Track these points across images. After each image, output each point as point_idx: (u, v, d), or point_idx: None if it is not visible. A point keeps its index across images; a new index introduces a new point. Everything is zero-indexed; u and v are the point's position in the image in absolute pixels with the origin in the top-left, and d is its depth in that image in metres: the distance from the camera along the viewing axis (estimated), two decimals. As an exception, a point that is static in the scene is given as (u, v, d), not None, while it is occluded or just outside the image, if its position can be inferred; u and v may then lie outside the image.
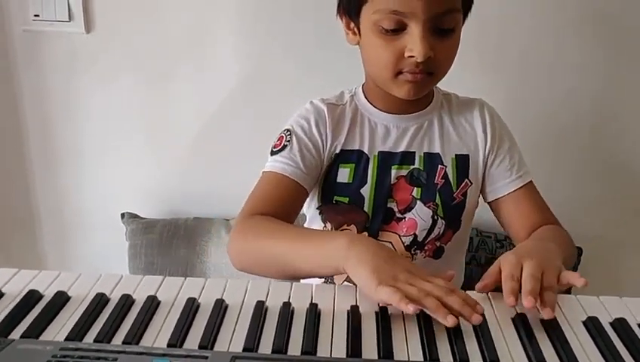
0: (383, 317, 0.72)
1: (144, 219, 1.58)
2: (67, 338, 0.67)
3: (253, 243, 0.94)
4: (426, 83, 0.99)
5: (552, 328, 0.71)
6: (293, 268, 0.88)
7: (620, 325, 0.73)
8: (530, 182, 1.10)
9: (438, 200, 1.07)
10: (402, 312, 0.73)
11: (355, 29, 1.00)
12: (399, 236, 1.08)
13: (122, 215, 1.59)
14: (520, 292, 0.76)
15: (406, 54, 0.93)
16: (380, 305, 0.75)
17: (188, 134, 1.60)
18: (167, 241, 1.52)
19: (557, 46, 1.49)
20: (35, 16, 1.45)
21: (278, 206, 1.00)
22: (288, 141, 1.05)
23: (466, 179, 1.09)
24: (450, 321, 0.69)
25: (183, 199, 1.64)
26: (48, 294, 0.76)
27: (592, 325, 0.73)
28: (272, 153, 1.06)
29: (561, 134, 1.57)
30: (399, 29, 0.92)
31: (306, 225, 1.17)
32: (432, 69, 0.96)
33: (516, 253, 0.84)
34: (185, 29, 1.50)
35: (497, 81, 1.52)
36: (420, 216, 1.07)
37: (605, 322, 0.74)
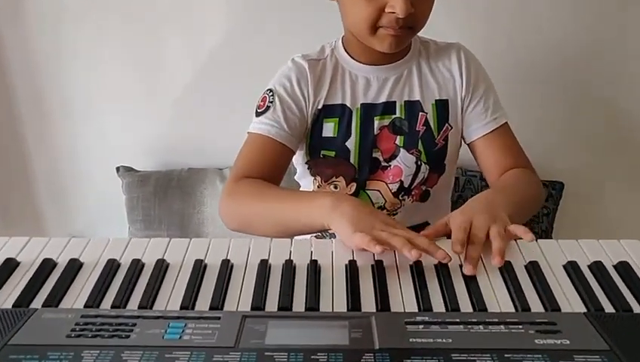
0: (379, 270, 0.77)
1: (139, 171, 1.61)
2: (86, 305, 0.71)
3: (245, 206, 0.99)
4: (407, 36, 1.02)
5: (535, 273, 0.77)
6: (284, 227, 0.95)
7: (596, 268, 0.78)
8: (505, 124, 1.13)
9: (420, 147, 1.11)
10: (396, 265, 0.79)
11: None
12: (386, 184, 1.13)
13: (117, 168, 1.61)
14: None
15: (387, 10, 0.95)
16: (355, 250, 0.81)
17: (178, 86, 1.60)
18: (163, 193, 1.55)
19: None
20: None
21: (265, 168, 1.04)
22: (271, 102, 1.07)
23: (447, 124, 1.12)
24: (413, 254, 0.75)
25: (176, 150, 1.66)
26: (61, 262, 0.80)
27: (572, 268, 0.78)
28: (257, 114, 1.08)
29: (546, 69, 1.58)
30: None
31: (296, 178, 1.22)
32: (412, 23, 0.98)
33: (462, 211, 0.88)
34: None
35: (477, 18, 1.53)
36: (404, 162, 1.11)
37: (584, 265, 0.79)
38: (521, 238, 0.84)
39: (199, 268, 0.78)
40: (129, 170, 1.61)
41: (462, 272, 0.77)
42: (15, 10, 1.49)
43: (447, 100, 1.12)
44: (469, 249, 0.80)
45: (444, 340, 0.64)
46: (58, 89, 1.60)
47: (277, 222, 0.95)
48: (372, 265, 0.79)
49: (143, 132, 1.65)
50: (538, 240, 0.85)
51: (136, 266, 0.79)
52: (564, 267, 0.79)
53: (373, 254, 0.80)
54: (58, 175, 1.71)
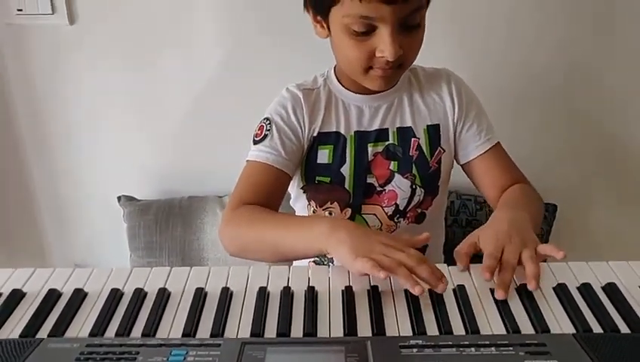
0: (374, 295, 0.79)
1: (140, 201, 1.63)
2: (90, 334, 0.74)
3: (245, 232, 1.00)
4: (396, 75, 1.05)
5: (526, 296, 0.79)
6: (282, 252, 0.96)
7: (585, 290, 0.80)
8: (498, 143, 1.16)
9: (414, 171, 1.13)
10: (391, 290, 0.81)
11: (324, 24, 1.03)
12: (382, 207, 1.15)
13: (119, 198, 1.63)
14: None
15: (377, 54, 0.97)
16: (358, 276, 0.82)
17: (176, 116, 1.62)
18: (164, 221, 1.57)
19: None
20: (19, 10, 1.46)
21: (264, 194, 1.06)
22: (268, 130, 1.09)
23: (439, 148, 1.15)
24: (417, 290, 0.76)
25: (176, 179, 1.67)
26: (66, 291, 0.82)
27: (561, 290, 0.80)
28: (255, 142, 1.10)
29: (533, 89, 1.60)
30: (369, 30, 0.95)
31: (291, 203, 1.24)
32: (401, 61, 1.00)
33: (496, 233, 0.90)
34: (166, 12, 1.51)
35: (463, 37, 1.55)
36: (400, 187, 1.14)
37: (573, 287, 0.81)
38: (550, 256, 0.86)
39: (200, 296, 0.80)
40: (130, 199, 1.63)
41: (454, 296, 0.80)
42: (19, 43, 1.52)
43: (438, 125, 1.15)
44: (501, 274, 0.82)
45: (437, 363, 0.66)
46: (60, 120, 1.62)
47: (275, 248, 0.96)
48: (368, 291, 0.81)
49: (143, 161, 1.67)
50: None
51: (139, 295, 0.81)
52: (554, 289, 0.81)
53: (369, 280, 0.83)
54: (60, 204, 1.73)
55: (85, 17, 1.50)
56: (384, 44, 0.95)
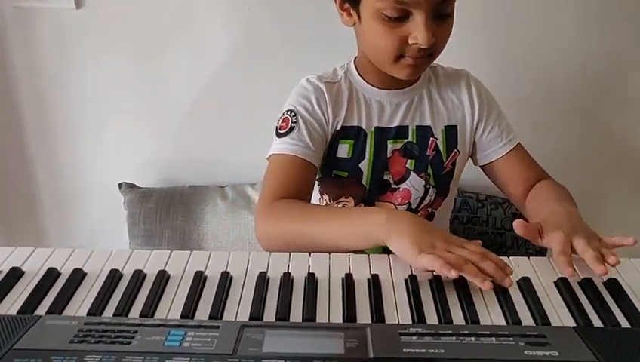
0: (374, 283, 0.79)
1: (141, 188, 1.62)
2: (89, 313, 0.73)
3: (284, 226, 0.97)
4: (425, 64, 1.04)
5: (527, 289, 0.79)
6: (334, 246, 0.91)
7: (586, 284, 0.80)
8: (519, 143, 1.16)
9: (429, 171, 1.13)
10: (392, 279, 0.81)
11: (352, 11, 1.02)
12: (395, 205, 1.14)
13: (119, 185, 1.62)
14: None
15: (410, 41, 0.96)
16: (422, 271, 0.81)
17: (180, 104, 1.61)
18: (165, 210, 1.56)
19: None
20: (25, -8, 1.46)
21: (296, 187, 1.03)
22: (295, 122, 1.07)
23: (455, 149, 1.14)
24: (486, 285, 0.76)
25: (178, 167, 1.66)
26: (65, 271, 0.82)
27: (563, 284, 0.80)
28: (280, 135, 1.07)
29: (546, 90, 1.61)
30: (403, 16, 0.94)
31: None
32: (432, 51, 0.99)
33: (561, 228, 0.89)
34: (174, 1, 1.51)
35: (483, 37, 1.55)
36: (414, 185, 1.13)
37: (574, 282, 0.81)
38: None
39: (199, 279, 0.80)
40: (131, 186, 1.62)
41: (455, 286, 0.79)
42: (26, 27, 1.52)
43: (455, 126, 1.14)
44: (589, 258, 0.82)
45: (436, 350, 0.65)
46: (64, 106, 1.61)
47: (327, 241, 0.92)
48: (368, 279, 0.81)
49: (145, 149, 1.67)
50: (530, 257, 0.87)
51: (138, 276, 0.81)
52: (555, 283, 0.81)
53: (369, 267, 0.83)
54: (61, 190, 1.72)
55: (91, 2, 1.49)
56: (418, 31, 0.94)
